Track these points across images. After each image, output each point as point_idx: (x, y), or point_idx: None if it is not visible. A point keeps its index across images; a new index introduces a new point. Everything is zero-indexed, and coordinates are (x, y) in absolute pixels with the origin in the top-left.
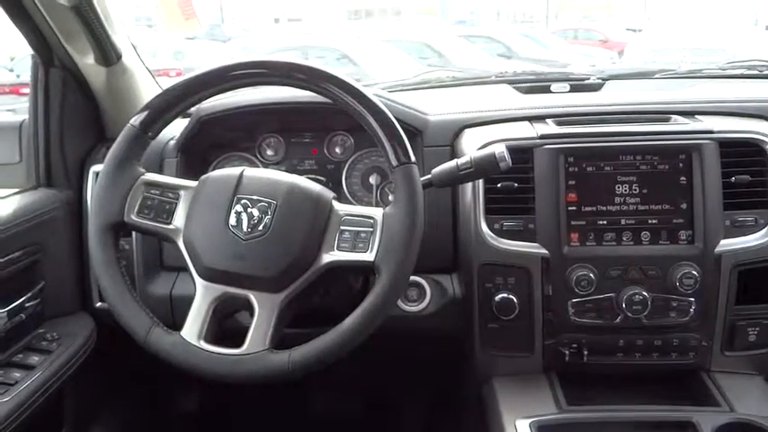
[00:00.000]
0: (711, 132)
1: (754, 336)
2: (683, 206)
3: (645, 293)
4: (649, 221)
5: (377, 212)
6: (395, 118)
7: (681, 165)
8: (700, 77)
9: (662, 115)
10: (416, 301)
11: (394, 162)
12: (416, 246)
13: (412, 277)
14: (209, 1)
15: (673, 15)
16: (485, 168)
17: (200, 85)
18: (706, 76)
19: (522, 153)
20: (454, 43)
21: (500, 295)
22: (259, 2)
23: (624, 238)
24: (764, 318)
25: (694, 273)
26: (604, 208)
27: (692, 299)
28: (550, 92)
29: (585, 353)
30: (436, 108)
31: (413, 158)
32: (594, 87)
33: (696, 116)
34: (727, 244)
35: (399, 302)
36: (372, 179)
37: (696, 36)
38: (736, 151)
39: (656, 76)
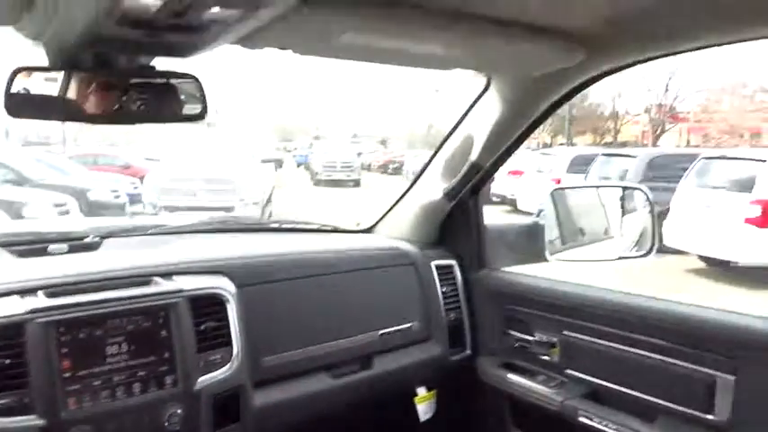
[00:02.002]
0: (182, 291)
1: None
2: (166, 355)
3: None
4: (138, 374)
5: None
6: None
7: (161, 321)
8: (185, 232)
9: (145, 278)
10: None
11: None
12: None
13: None
14: None
15: (189, 148)
16: None
17: None
18: (189, 231)
19: (12, 329)
20: None
21: None
22: None
23: (118, 393)
24: None
25: (179, 411)
26: (98, 369)
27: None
28: (48, 254)
29: None
30: None
31: None
32: (92, 247)
33: (173, 276)
34: (203, 380)
35: None
36: None
37: (209, 168)
38: (203, 303)
39: (150, 231)
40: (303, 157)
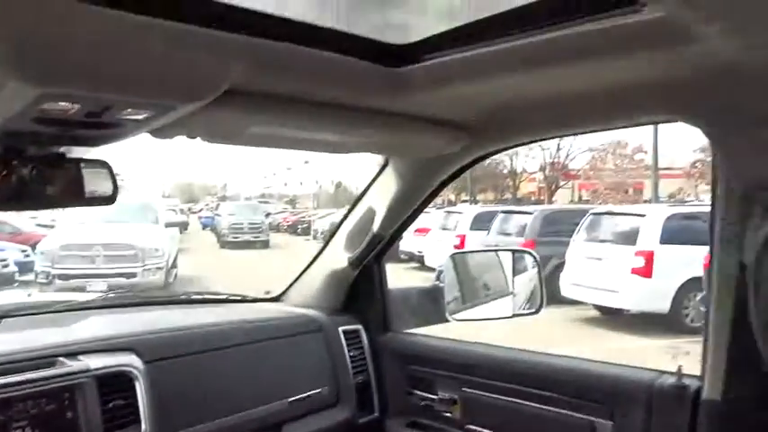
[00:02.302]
0: (89, 371)
1: None
2: None
3: None
4: None
5: None
6: None
7: (67, 402)
8: (89, 308)
9: (49, 359)
10: None
11: None
12: None
13: None
14: None
15: (86, 212)
16: None
17: None
18: (93, 307)
19: None
20: None
21: None
22: None
23: None
24: None
25: None
26: None
27: None
28: None
29: None
30: None
31: None
32: None
33: (78, 356)
34: None
35: None
36: None
37: (109, 233)
38: (111, 382)
39: (52, 309)
40: (209, 219)
